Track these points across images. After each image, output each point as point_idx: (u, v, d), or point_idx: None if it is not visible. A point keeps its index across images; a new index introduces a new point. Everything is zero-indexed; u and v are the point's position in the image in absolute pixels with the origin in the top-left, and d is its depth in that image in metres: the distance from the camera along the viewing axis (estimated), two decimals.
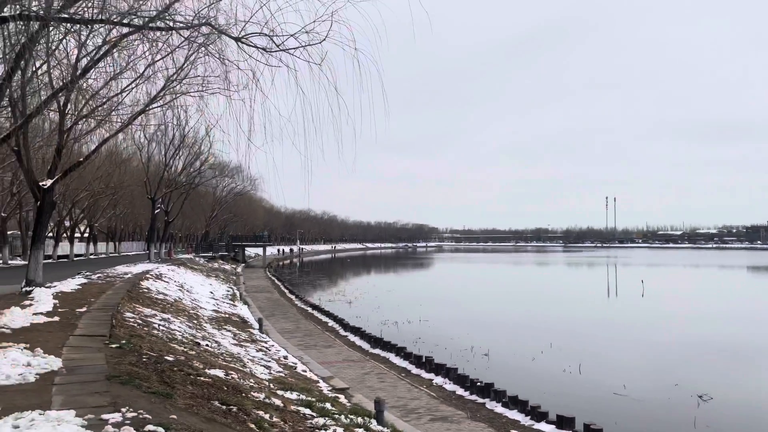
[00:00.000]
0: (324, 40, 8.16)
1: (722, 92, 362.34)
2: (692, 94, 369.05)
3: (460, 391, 13.42)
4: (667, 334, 24.78)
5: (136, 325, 11.93)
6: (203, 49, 10.04)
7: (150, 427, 4.71)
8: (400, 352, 17.48)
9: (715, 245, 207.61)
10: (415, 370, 15.63)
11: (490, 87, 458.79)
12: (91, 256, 47.89)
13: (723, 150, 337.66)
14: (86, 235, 50.99)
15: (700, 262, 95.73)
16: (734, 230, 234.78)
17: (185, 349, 10.73)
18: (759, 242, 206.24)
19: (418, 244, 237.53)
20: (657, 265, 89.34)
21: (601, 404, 13.60)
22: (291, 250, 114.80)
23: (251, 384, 9.12)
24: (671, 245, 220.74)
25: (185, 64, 12.79)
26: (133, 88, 13.32)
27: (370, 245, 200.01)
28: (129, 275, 23.58)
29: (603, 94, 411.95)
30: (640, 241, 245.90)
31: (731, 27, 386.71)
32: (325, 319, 25.34)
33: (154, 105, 15.20)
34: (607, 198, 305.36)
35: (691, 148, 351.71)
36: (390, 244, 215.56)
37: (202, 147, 40.84)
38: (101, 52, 10.86)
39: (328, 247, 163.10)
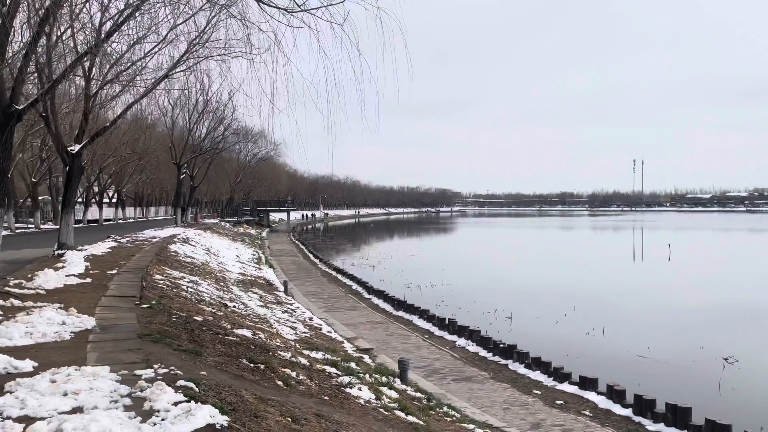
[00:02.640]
0: None
1: (749, 52, 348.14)
2: (718, 54, 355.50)
3: (482, 353, 13.55)
4: (693, 298, 24.55)
5: (165, 286, 12.21)
6: (225, 11, 9.97)
7: (181, 382, 4.86)
8: (423, 314, 17.65)
9: (745, 209, 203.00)
10: (438, 332, 15.80)
11: (514, 48, 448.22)
12: (120, 221, 48.88)
13: (753, 110, 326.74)
14: (114, 200, 51.94)
15: (729, 226, 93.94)
16: (766, 193, 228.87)
17: (213, 310, 10.99)
18: None
19: (442, 209, 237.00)
20: (685, 228, 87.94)
21: (625, 366, 13.61)
22: (313, 215, 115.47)
23: (278, 344, 9.33)
24: (700, 209, 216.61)
25: (207, 27, 12.74)
26: (156, 53, 13.31)
27: (393, 210, 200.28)
28: (157, 239, 24.05)
29: (628, 56, 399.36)
30: (668, 204, 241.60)
31: None
32: (348, 282, 25.63)
33: (178, 69, 15.20)
34: (634, 161, 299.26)
35: (719, 109, 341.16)
36: (413, 209, 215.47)
37: (225, 112, 40.85)
38: (124, 16, 10.84)
39: (351, 212, 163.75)
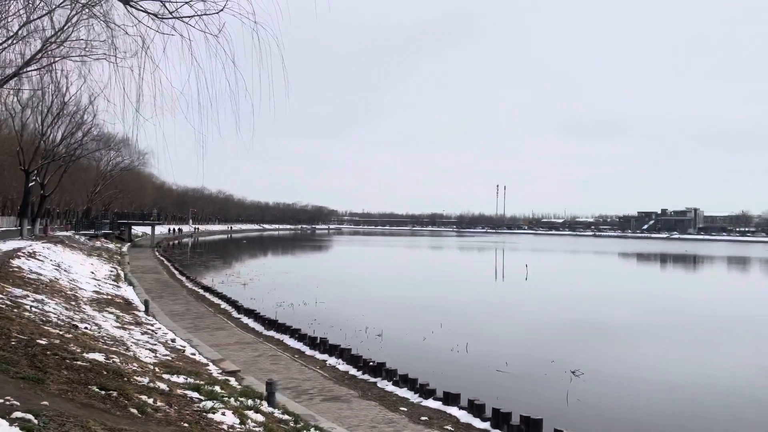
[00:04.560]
0: (222, 10, 7.82)
1: (599, 91, 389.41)
2: (572, 92, 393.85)
3: (353, 371, 13.61)
4: (547, 314, 26.58)
5: (4, 306, 10.95)
6: (87, 10, 9.30)
7: (18, 413, 4.37)
8: (294, 333, 17.40)
9: (591, 233, 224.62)
10: (309, 352, 15.64)
11: (391, 74, 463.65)
12: None
13: (598, 145, 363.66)
14: None
15: (578, 248, 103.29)
16: (608, 219, 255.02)
17: (61, 332, 10.03)
18: (629, 231, 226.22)
19: (318, 226, 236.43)
20: (540, 250, 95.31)
21: (485, 381, 14.36)
22: (180, 229, 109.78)
23: (134, 368, 8.71)
24: (554, 232, 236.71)
25: (66, 26, 11.76)
26: (4, 49, 12.06)
27: (267, 226, 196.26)
28: None
29: (495, 90, 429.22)
30: (527, 227, 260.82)
31: (612, 31, 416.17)
32: (217, 301, 24.63)
33: (30, 68, 13.89)
34: (497, 186, 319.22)
35: (572, 141, 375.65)
36: (288, 226, 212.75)
37: (85, 116, 37.81)
38: None
39: (223, 227, 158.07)
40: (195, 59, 8.11)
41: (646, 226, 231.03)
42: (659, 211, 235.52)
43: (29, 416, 4.39)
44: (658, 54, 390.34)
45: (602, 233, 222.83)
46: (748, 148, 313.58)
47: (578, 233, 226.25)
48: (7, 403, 4.69)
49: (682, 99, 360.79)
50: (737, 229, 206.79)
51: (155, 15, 7.79)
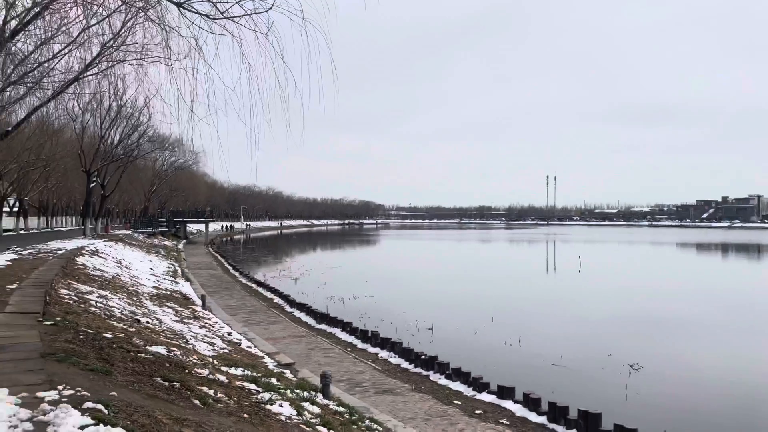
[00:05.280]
0: (271, 8, 7.91)
1: (648, 77, 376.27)
2: (619, 79, 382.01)
3: (404, 365, 13.64)
4: (602, 308, 25.91)
5: (71, 302, 11.47)
6: (142, 13, 9.58)
7: (89, 404, 4.56)
8: (345, 327, 17.57)
9: (648, 223, 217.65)
10: (360, 345, 15.77)
11: (437, 67, 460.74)
12: (21, 231, 45.54)
13: (652, 132, 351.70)
14: (15, 209, 48.38)
15: (633, 239, 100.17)
16: (665, 209, 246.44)
17: (125, 326, 10.43)
18: (688, 220, 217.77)
19: (365, 221, 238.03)
20: (593, 241, 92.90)
21: (540, 375, 14.12)
22: (232, 226, 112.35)
23: (194, 360, 8.97)
24: (607, 223, 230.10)
25: (122, 30, 12.15)
26: (65, 54, 12.56)
27: (316, 222, 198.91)
28: (63, 251, 22.60)
29: (542, 79, 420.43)
30: (578, 218, 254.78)
31: (660, 17, 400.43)
32: (270, 295, 25.13)
33: (89, 73, 14.41)
34: (547, 177, 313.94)
35: (622, 129, 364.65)
36: (336, 221, 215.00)
37: (141, 118, 39.17)
38: (31, 14, 10.17)
39: (273, 223, 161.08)
40: (246, 58, 8.24)
41: (705, 215, 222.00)
42: (719, 199, 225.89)
43: (99, 406, 4.57)
44: (709, 35, 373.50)
45: (659, 223, 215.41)
46: None
47: (633, 223, 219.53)
48: (78, 393, 4.90)
49: (736, 80, 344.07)
50: None
51: (207, 16, 7.96)
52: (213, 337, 13.36)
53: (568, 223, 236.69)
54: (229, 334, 14.81)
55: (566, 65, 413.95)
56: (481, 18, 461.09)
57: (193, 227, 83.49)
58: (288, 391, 8.43)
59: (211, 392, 6.83)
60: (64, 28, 10.96)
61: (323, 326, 18.33)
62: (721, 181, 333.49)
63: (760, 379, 14.56)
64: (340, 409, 8.67)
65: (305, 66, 8.45)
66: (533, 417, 10.06)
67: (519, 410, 10.37)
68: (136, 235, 51.36)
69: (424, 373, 12.92)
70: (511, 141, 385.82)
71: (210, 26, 8.02)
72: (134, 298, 16.09)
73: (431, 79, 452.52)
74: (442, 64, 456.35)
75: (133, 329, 10.50)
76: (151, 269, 27.64)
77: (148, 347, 8.56)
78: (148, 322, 12.40)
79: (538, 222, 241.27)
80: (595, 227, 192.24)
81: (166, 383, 6.52)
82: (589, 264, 46.43)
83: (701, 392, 13.38)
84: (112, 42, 12.47)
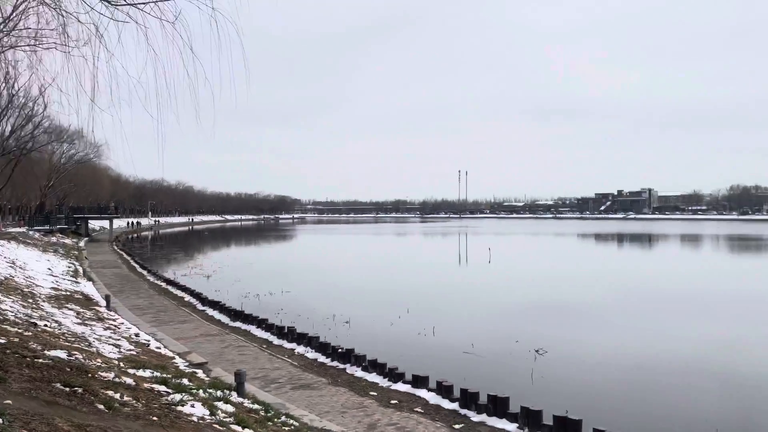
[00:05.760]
0: None
1: (555, 77, 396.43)
2: (528, 78, 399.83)
3: (321, 359, 13.65)
4: (511, 296, 27.11)
5: None
6: None
7: None
8: (261, 323, 17.31)
9: (551, 215, 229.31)
10: (276, 341, 15.60)
11: (352, 62, 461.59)
12: None
13: (556, 130, 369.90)
14: None
15: (539, 231, 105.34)
16: (567, 201, 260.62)
17: (19, 331, 9.75)
18: (588, 212, 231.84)
19: (281, 216, 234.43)
20: (502, 233, 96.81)
21: (453, 363, 14.59)
22: (138, 222, 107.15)
23: (98, 364, 8.55)
24: (515, 215, 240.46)
25: (13, 14, 11.29)
26: None
27: (230, 217, 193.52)
28: None
29: (452, 76, 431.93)
30: (488, 211, 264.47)
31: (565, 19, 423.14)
32: (181, 294, 24.26)
33: None
34: (459, 171, 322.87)
35: (530, 126, 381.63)
36: (251, 216, 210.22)
37: (36, 108, 36.41)
38: None
39: (184, 219, 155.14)
40: (151, 47, 7.91)
41: (603, 207, 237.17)
42: (615, 192, 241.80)
43: None
44: (611, 40, 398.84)
45: (562, 215, 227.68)
46: (701, 129, 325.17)
47: (538, 216, 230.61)
48: None
49: (634, 82, 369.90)
50: (689, 208, 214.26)
51: (108, 2, 7.56)
52: (119, 339, 12.76)
53: (479, 216, 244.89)
54: (137, 335, 14.20)
55: (478, 64, 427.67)
56: (401, 13, 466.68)
57: (96, 224, 78.95)
58: (200, 391, 8.23)
59: (117, 396, 6.55)
60: None
61: (238, 323, 17.96)
62: (617, 176, 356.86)
63: (658, 357, 15.78)
64: (255, 406, 8.57)
65: (216, 58, 8.23)
66: (446, 404, 10.39)
67: (432, 398, 10.68)
68: (31, 233, 47.84)
69: (341, 366, 13.00)
70: (427, 136, 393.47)
71: (112, 13, 7.62)
72: (30, 301, 15.05)
73: (347, 74, 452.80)
74: (358, 58, 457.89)
75: (29, 333, 9.84)
76: (49, 269, 25.91)
77: (46, 352, 8.06)
78: (46, 325, 11.66)
79: (451, 215, 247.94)
80: (504, 220, 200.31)
81: (67, 388, 6.19)
82: (498, 255, 48.38)
83: (602, 372, 14.33)
84: (2, 26, 11.55)
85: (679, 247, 67.87)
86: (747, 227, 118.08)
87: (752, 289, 29.41)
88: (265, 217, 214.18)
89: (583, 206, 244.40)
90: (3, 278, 17.80)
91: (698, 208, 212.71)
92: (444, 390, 10.71)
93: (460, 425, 9.40)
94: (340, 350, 13.56)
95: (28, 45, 11.20)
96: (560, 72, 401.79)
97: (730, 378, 13.94)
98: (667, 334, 19.11)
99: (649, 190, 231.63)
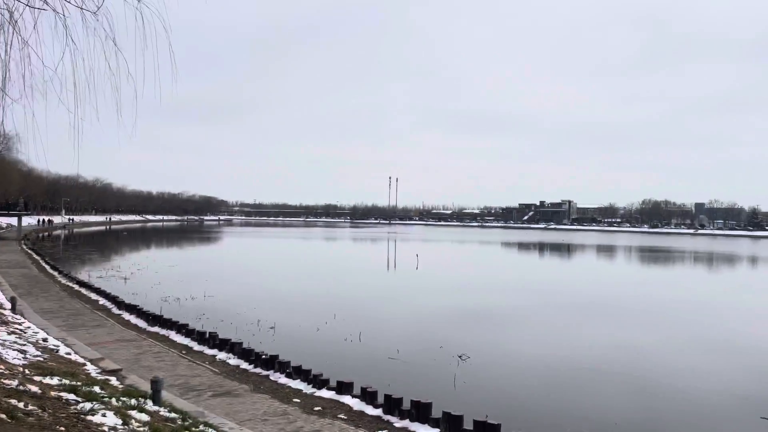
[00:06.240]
0: None
1: (485, 90, 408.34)
2: (457, 89, 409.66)
3: (244, 365, 13.34)
4: (436, 302, 27.55)
5: None
6: None
7: None
8: (181, 329, 16.71)
9: (477, 224, 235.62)
10: (197, 347, 15.11)
11: (285, 62, 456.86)
12: None
13: (483, 140, 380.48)
14: None
15: (465, 239, 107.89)
16: (492, 211, 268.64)
17: None
18: (511, 221, 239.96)
19: (206, 217, 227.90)
20: (430, 240, 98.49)
21: (378, 368, 14.66)
22: (50, 221, 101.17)
23: (1, 371, 7.97)
24: (443, 223, 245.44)
25: None
26: None
27: (151, 217, 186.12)
28: None
29: (387, 83, 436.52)
30: (417, 219, 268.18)
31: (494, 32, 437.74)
32: (95, 297, 23.06)
33: None
34: (390, 178, 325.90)
35: (460, 137, 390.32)
36: (174, 217, 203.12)
37: None
38: None
39: (101, 218, 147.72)
40: (70, 37, 7.49)
41: (526, 217, 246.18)
42: (538, 203, 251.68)
43: None
44: (541, 55, 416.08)
45: (487, 224, 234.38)
46: (618, 146, 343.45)
47: (465, 224, 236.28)
48: None
49: (560, 97, 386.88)
50: (605, 220, 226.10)
51: None
52: (25, 344, 11.95)
53: (408, 222, 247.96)
54: (45, 340, 13.35)
55: (409, 73, 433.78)
56: (331, 17, 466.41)
57: (2, 221, 73.86)
58: (113, 400, 7.83)
59: (21, 405, 6.14)
60: None
61: (156, 329, 17.26)
62: (540, 188, 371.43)
63: (573, 359, 16.49)
64: (172, 415, 8.25)
65: (140, 52, 7.90)
66: (370, 410, 10.40)
67: (357, 404, 10.67)
68: None
69: (265, 373, 12.75)
70: (358, 141, 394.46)
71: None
72: None
73: (276, 75, 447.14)
74: (286, 60, 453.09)
75: None
76: None
77: None
78: None
79: (381, 221, 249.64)
80: (432, 227, 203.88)
81: None
82: (425, 261, 49.11)
83: (522, 376, 14.83)
84: None
85: (594, 256, 71.44)
86: (656, 239, 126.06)
87: (659, 297, 31.37)
88: (189, 218, 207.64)
89: (508, 216, 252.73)
90: None
91: (613, 220, 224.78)
92: (368, 396, 10.72)
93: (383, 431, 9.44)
94: (263, 356, 13.31)
95: None
96: (487, 85, 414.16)
97: (637, 380, 14.77)
98: (581, 338, 20.03)
99: (569, 202, 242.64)
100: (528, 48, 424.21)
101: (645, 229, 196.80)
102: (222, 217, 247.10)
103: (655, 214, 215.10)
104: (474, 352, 16.50)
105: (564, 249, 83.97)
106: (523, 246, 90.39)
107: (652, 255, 72.87)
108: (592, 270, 53.24)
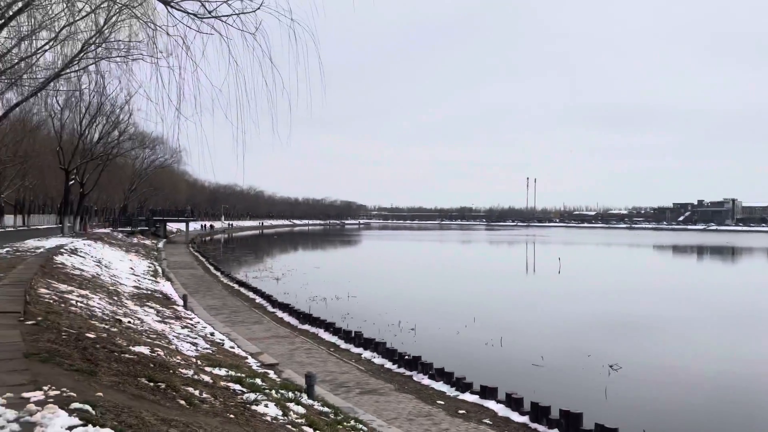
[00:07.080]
0: (259, 8, 7.91)
1: (629, 82, 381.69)
2: (603, 81, 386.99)
3: (388, 365, 13.69)
4: (581, 308, 26.22)
5: (52, 301, 11.32)
6: (127, 10, 9.51)
7: (76, 405, 4.52)
8: (328, 327, 17.56)
9: (625, 225, 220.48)
10: (344, 345, 15.78)
11: (418, 68, 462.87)
12: None
13: (630, 136, 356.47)
14: None
15: (612, 241, 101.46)
16: (642, 211, 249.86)
17: (106, 326, 10.32)
18: (665, 223, 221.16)
19: (347, 221, 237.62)
20: (572, 243, 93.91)
21: (521, 375, 14.27)
22: (212, 225, 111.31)
23: (178, 361, 8.92)
24: (586, 224, 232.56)
25: (105, 27, 12.05)
26: (47, 50, 12.42)
27: (297, 222, 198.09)
28: (41, 250, 22.24)
29: (523, 80, 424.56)
30: (558, 220, 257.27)
31: (645, 20, 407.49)
32: (252, 295, 25.01)
33: (71, 69, 14.26)
34: (527, 179, 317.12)
35: (601, 133, 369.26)
36: (318, 221, 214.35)
37: (121, 116, 38.66)
38: (14, 9, 10.03)
39: (254, 223, 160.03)
40: (233, 58, 8.22)
41: (681, 218, 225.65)
42: (695, 202, 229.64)
43: (87, 407, 4.53)
44: (688, 41, 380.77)
45: (636, 225, 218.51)
46: None
47: (611, 225, 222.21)
48: (64, 394, 4.85)
49: (715, 86, 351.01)
50: None
51: (195, 15, 7.92)
52: (196, 338, 13.27)
53: (547, 224, 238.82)
54: (212, 334, 14.73)
55: (548, 68, 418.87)
56: (467, 17, 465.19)
57: (173, 226, 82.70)
58: (273, 392, 8.42)
59: (197, 393, 6.81)
60: (46, 24, 10.83)
61: (306, 326, 18.31)
62: (697, 185, 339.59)
63: (740, 376, 14.87)
64: (325, 409, 8.69)
65: (293, 66, 8.45)
66: (516, 417, 10.17)
67: (502, 410, 10.48)
68: (115, 234, 50.71)
69: (408, 373, 12.98)
70: (493, 142, 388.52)
71: (198, 26, 7.99)
72: (115, 298, 15.91)
73: (414, 81, 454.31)
74: (423, 64, 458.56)
75: (116, 329, 10.39)
76: (131, 269, 27.33)
77: (131, 347, 8.49)
78: (129, 322, 12.28)
79: (518, 223, 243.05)
80: (574, 229, 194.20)
81: (151, 384, 6.48)
82: (568, 265, 46.95)
83: (680, 391, 13.64)
84: (94, 39, 12.35)
85: (765, 261, 63.63)
86: None
87: None
88: (332, 222, 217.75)
89: (660, 216, 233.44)
90: (90, 276, 18.92)
91: None
92: (514, 402, 10.49)
93: None
94: (407, 357, 13.55)
95: (119, 56, 11.92)
96: (633, 76, 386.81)
97: None
98: (747, 351, 17.95)
99: (733, 200, 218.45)
100: (673, 36, 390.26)
101: None
102: (361, 221, 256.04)
103: None
104: (626, 363, 15.44)
105: (728, 252, 75.78)
106: (678, 249, 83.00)
107: None
108: (761, 276, 47.49)
